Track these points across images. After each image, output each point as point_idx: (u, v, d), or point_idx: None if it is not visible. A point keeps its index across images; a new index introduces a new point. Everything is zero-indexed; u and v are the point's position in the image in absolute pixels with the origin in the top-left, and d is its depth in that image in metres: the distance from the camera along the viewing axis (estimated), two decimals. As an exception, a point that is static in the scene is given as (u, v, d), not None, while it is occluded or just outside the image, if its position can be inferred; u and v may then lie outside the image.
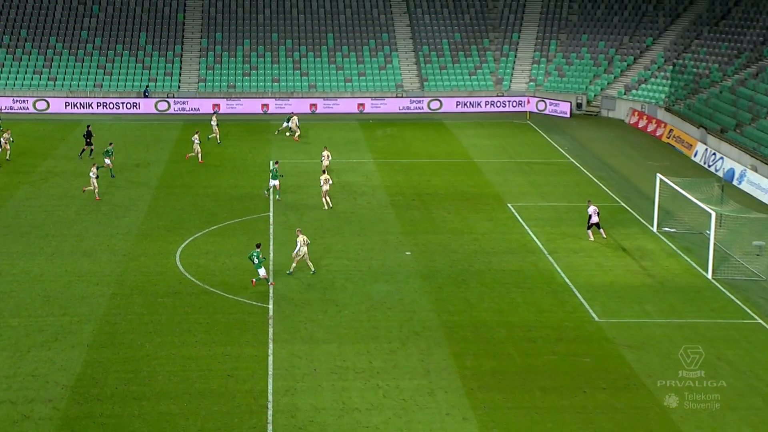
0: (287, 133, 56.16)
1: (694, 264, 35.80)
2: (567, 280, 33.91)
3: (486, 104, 65.92)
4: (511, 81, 68.26)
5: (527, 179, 47.88)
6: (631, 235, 38.98)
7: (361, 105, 65.13)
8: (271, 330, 29.44)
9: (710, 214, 34.96)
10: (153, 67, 67.47)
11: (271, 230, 39.26)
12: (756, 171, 47.46)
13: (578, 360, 27.61)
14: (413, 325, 29.92)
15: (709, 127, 54.48)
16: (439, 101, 65.65)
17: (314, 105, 64.92)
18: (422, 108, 65.56)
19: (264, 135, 57.51)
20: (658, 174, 40.61)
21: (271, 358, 27.49)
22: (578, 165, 51.02)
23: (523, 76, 68.70)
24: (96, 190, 42.92)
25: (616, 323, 30.26)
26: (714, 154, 51.39)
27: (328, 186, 41.53)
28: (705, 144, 53.43)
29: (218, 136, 54.66)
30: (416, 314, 30.78)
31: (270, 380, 26.20)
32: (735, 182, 47.83)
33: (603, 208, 42.01)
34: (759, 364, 27.38)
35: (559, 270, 34.92)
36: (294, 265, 33.82)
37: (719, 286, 33.68)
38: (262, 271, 32.27)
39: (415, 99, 65.74)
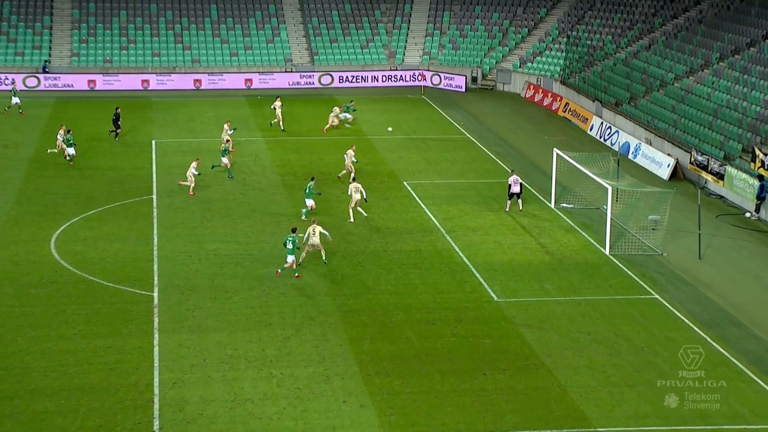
0: (346, 124, 52.99)
1: (591, 240, 36.70)
2: (465, 260, 34.30)
3: (379, 79, 65.98)
4: (404, 54, 68.48)
5: (423, 156, 48.21)
6: (529, 212, 39.67)
7: (249, 80, 64.31)
8: (156, 319, 28.86)
9: (606, 189, 35.86)
10: (20, 40, 64.94)
11: (155, 214, 38.45)
12: (650, 144, 48.93)
13: (478, 341, 27.98)
14: (308, 310, 29.78)
15: (603, 100, 55.88)
16: (331, 76, 65.36)
17: (198, 81, 63.76)
18: (313, 83, 65.16)
19: (145, 113, 56.16)
20: (555, 149, 41.42)
21: (156, 349, 26.94)
22: (475, 141, 51.60)
23: (416, 50, 69.01)
24: (192, 186, 40.72)
25: (516, 302, 30.80)
26: (609, 127, 52.75)
27: (359, 196, 37.40)
28: (600, 117, 54.77)
29: (281, 122, 52.10)
30: (311, 299, 30.65)
31: (156, 372, 25.68)
32: (630, 156, 49.23)
33: (500, 185, 42.66)
34: (655, 340, 28.29)
35: (457, 249, 35.29)
36: (303, 255, 32.93)
37: (617, 261, 34.63)
38: (290, 258, 31.72)
39: (305, 74, 65.30)
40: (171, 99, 60.11)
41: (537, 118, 58.14)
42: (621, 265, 34.24)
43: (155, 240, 35.39)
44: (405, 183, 43.35)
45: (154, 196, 40.58)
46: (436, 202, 40.57)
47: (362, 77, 65.80)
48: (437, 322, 29.26)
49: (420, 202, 40.38)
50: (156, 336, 27.81)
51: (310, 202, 38.35)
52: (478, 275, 32.97)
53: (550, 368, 26.47)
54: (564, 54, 63.57)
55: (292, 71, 65.90)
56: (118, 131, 49.86)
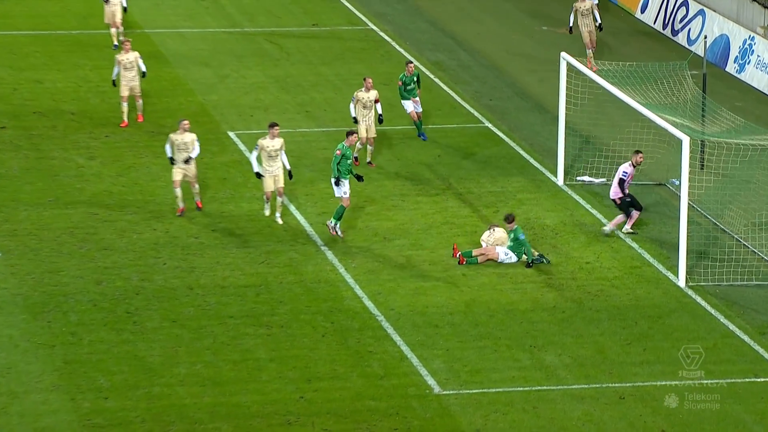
0: None
1: (647, 256, 37.27)
2: (370, 305, 34.56)
3: None
4: None
5: (272, 74, 48.51)
6: (509, 194, 40.13)
7: None
8: None
9: (680, 142, 36.27)
10: None
11: None
12: (773, 42, 49.85)
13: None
14: (12, 427, 29.58)
15: (671, -54, 56.75)
16: None
17: None
18: None
19: None
20: (564, 54, 41.81)
21: None
22: (388, 39, 52.04)
23: None
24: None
25: (481, 397, 31.05)
26: (683, 3, 53.41)
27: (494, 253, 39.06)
28: (664, -15, 55.64)
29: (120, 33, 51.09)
30: (18, 399, 30.48)
31: None
32: (731, 68, 49.97)
33: (454, 131, 42.98)
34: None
35: (350, 281, 35.55)
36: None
37: (703, 302, 35.17)
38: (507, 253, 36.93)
39: None
40: None
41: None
42: (712, 311, 34.78)
43: None
44: (231, 134, 43.85)
45: None
46: (303, 175, 40.76)
47: None
48: (310, 444, 29.44)
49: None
50: None
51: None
52: (397, 339, 33.20)
53: None
54: None
55: None
56: None
